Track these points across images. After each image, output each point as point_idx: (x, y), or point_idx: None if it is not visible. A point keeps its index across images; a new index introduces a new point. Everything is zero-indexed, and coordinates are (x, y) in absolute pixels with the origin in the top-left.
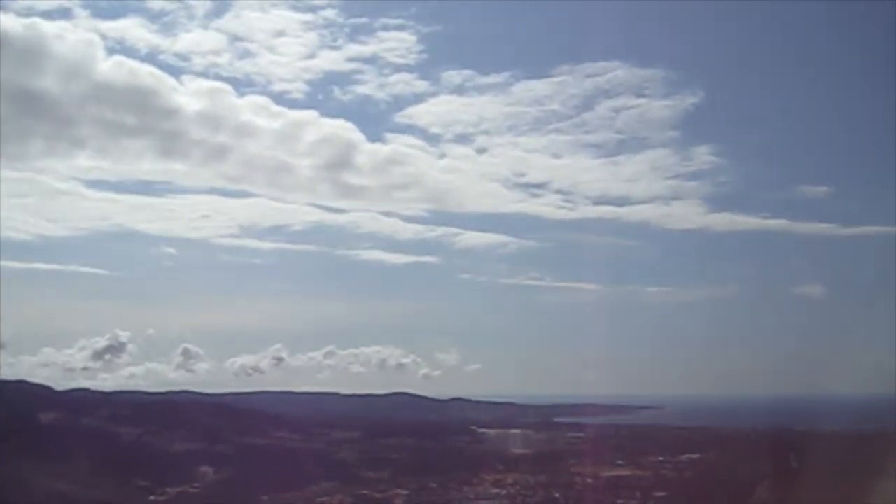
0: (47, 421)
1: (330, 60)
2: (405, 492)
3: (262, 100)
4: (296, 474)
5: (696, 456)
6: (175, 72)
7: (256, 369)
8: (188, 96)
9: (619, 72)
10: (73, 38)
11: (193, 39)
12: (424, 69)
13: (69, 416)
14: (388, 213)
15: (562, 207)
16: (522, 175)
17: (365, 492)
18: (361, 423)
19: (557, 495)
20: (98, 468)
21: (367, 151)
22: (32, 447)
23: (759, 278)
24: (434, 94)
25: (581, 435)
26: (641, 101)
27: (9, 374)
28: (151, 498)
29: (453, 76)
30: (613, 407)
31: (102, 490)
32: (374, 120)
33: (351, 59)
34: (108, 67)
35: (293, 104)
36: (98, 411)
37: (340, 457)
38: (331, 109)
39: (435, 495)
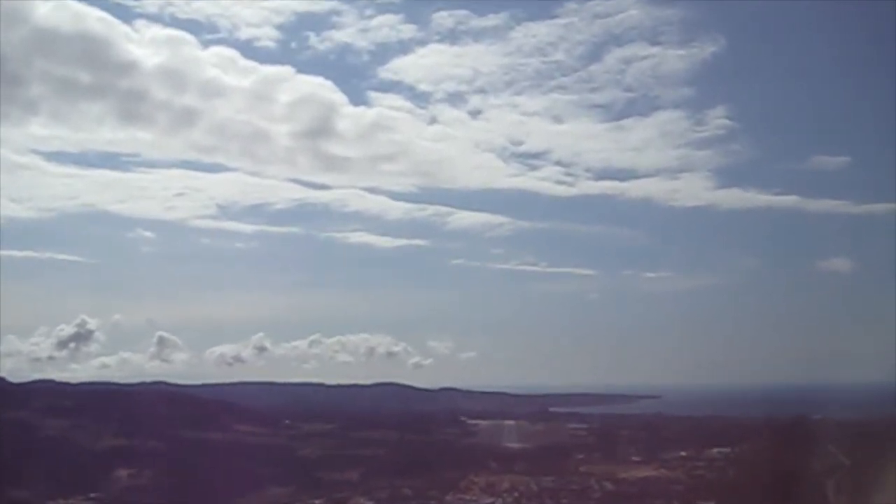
0: None
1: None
2: (369, 503)
3: (229, 51)
4: (240, 477)
5: (726, 450)
6: (126, 16)
7: (238, 359)
8: (145, 47)
9: (632, 11)
10: None
11: None
12: (411, 10)
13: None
14: (374, 190)
15: (561, 182)
16: (520, 143)
17: (317, 502)
18: (339, 416)
19: None
20: None
21: (350, 115)
22: None
23: (764, 264)
24: (423, 43)
25: (584, 426)
26: (655, 49)
27: None
28: None
29: (444, 18)
30: (610, 396)
31: None
32: (356, 75)
33: None
34: (49, 10)
35: (264, 57)
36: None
37: (304, 454)
38: (307, 62)
39: None
